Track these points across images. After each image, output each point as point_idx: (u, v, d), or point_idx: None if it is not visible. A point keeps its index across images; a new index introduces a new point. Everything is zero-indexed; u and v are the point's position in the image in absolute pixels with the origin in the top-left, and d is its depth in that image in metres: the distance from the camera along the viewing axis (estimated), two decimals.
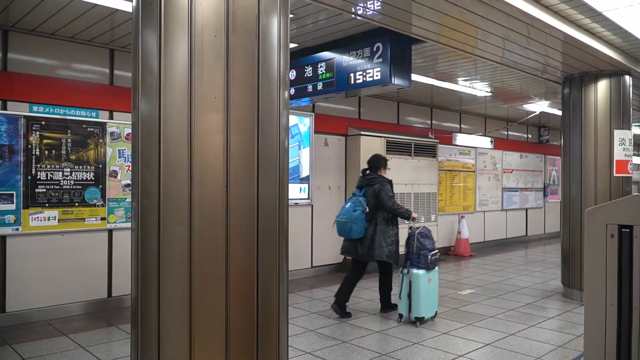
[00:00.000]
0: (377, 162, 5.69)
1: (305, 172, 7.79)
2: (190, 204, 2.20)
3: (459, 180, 10.72)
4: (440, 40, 5.02)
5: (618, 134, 6.17)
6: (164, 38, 2.21)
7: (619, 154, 6.17)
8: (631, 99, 6.39)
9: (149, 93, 2.26)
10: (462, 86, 7.96)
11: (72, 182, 5.49)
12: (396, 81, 5.14)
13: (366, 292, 6.79)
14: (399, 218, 5.53)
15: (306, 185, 7.79)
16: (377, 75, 5.19)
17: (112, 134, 5.79)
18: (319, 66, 5.87)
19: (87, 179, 5.59)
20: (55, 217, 5.37)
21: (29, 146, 5.21)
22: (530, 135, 13.16)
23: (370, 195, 5.44)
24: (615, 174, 6.16)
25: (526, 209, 12.71)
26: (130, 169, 5.65)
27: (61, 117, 5.43)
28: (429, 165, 9.28)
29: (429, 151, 9.29)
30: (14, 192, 5.12)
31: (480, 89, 8.18)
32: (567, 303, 6.21)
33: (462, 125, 10.95)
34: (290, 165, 7.50)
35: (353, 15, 4.39)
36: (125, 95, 5.15)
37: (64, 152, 5.44)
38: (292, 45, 5.75)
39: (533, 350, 4.45)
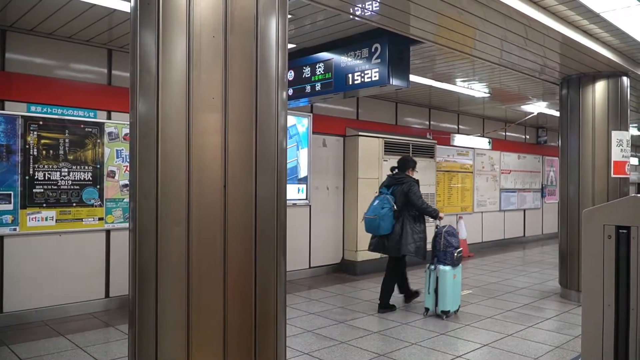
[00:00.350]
0: (406, 163, 5.94)
1: (303, 172, 7.79)
2: (188, 205, 2.20)
3: (457, 181, 10.73)
4: (438, 41, 5.02)
5: (615, 135, 6.18)
6: (162, 38, 2.21)
7: (616, 155, 6.18)
8: (629, 100, 6.40)
9: (147, 93, 2.26)
10: (460, 87, 7.97)
11: (70, 182, 5.48)
12: (394, 82, 5.14)
13: (365, 292, 6.80)
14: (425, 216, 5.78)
15: (304, 186, 7.79)
16: (375, 76, 5.20)
17: (109, 134, 5.78)
18: (317, 67, 5.87)
19: (84, 179, 5.58)
20: (52, 217, 5.36)
21: (27, 146, 5.20)
22: (528, 136, 13.17)
23: (399, 194, 5.67)
24: (612, 175, 6.18)
25: (524, 210, 12.73)
26: (128, 169, 5.65)
27: (59, 117, 5.42)
28: (427, 166, 9.28)
29: (427, 152, 9.30)
30: (12, 192, 5.11)
31: (478, 89, 8.19)
32: (565, 304, 6.22)
33: (460, 126, 10.96)
34: (289, 166, 7.50)
35: (351, 16, 4.39)
36: (123, 96, 5.14)
37: (61, 152, 5.43)
38: (290, 46, 5.75)
39: (531, 351, 4.45)
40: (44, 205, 5.31)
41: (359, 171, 8.10)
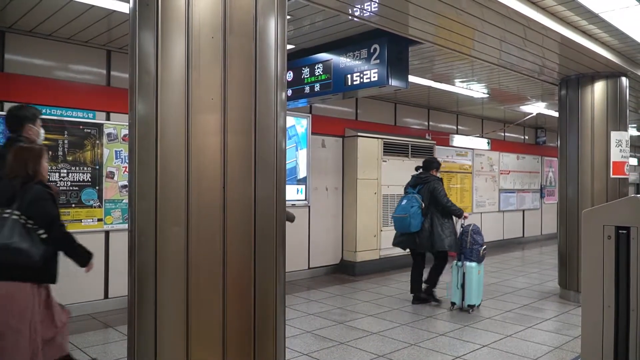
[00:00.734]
0: (430, 164, 6.32)
1: (302, 173, 7.79)
2: (188, 205, 2.19)
3: (456, 182, 10.73)
4: (437, 41, 5.02)
5: (615, 135, 6.19)
6: (161, 39, 2.21)
7: (615, 155, 6.18)
8: (627, 101, 6.40)
9: (146, 94, 2.26)
10: (459, 87, 7.97)
11: (69, 183, 5.47)
12: (393, 82, 5.14)
13: (364, 293, 6.79)
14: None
15: (303, 187, 7.79)
16: (374, 77, 5.20)
17: (109, 135, 5.78)
18: (316, 67, 5.87)
19: (83, 180, 5.57)
20: None
21: None
22: (527, 137, 13.18)
23: (426, 192, 5.99)
24: (612, 175, 6.18)
25: (523, 211, 12.73)
26: (127, 170, 5.64)
27: (58, 118, 5.41)
28: None
29: (426, 152, 9.28)
30: None
31: (477, 90, 8.20)
32: (564, 304, 6.22)
33: (459, 127, 10.97)
34: (288, 167, 7.48)
35: (350, 17, 4.39)
36: (123, 97, 5.12)
37: (60, 153, 5.42)
38: (289, 47, 5.75)
39: (530, 352, 4.45)
40: None
41: (358, 172, 8.09)
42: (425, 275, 6.22)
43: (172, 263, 2.22)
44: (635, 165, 19.06)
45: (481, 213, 11.31)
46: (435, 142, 9.67)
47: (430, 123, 10.25)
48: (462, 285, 5.74)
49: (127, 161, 5.36)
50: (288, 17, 4.41)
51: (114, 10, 4.57)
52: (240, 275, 2.28)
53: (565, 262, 6.47)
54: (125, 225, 5.53)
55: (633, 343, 2.12)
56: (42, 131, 3.52)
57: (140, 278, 2.30)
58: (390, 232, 8.47)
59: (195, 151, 2.19)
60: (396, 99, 9.20)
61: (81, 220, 5.56)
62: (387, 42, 5.06)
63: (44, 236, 2.88)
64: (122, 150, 5.84)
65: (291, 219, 5.85)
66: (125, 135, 5.84)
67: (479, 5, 4.03)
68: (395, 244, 6.23)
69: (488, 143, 11.39)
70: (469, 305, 5.76)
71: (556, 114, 7.16)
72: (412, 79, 6.52)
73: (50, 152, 5.34)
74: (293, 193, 7.64)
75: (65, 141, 5.46)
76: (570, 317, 5.62)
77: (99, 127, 5.71)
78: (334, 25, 5.15)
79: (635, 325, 2.11)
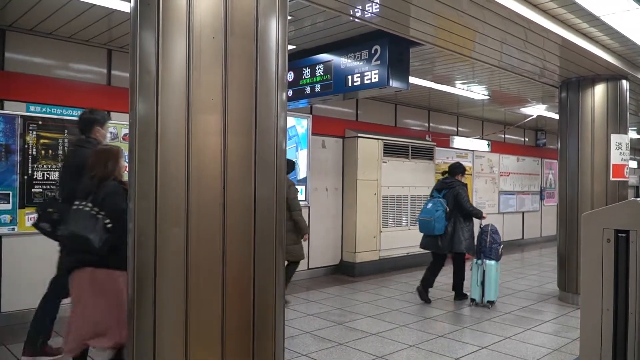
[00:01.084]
0: (455, 169, 6.52)
1: (302, 173, 7.79)
2: (188, 205, 2.19)
3: None
4: (438, 43, 5.02)
5: (615, 138, 6.19)
6: (162, 39, 2.21)
7: (615, 158, 6.18)
8: (628, 104, 6.41)
9: (146, 94, 2.26)
10: (460, 89, 7.97)
11: None
12: (394, 84, 5.14)
13: (363, 294, 6.79)
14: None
15: (303, 187, 7.79)
16: (375, 78, 5.20)
17: (109, 134, 5.77)
18: (317, 68, 5.87)
19: None
20: None
21: (26, 146, 5.19)
22: (527, 139, 13.18)
23: (450, 197, 6.23)
24: (611, 178, 6.18)
25: (523, 212, 12.73)
26: (127, 169, 5.64)
27: (58, 117, 5.42)
28: (426, 168, 9.29)
29: (426, 154, 9.30)
30: (10, 192, 5.10)
31: (477, 92, 8.20)
32: (563, 307, 6.22)
33: (459, 128, 10.97)
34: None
35: (351, 18, 4.39)
36: (123, 96, 5.12)
37: (60, 152, 5.42)
38: (290, 47, 5.75)
39: (529, 354, 4.45)
40: None
41: (358, 173, 8.09)
42: (436, 276, 6.45)
43: (171, 263, 2.22)
44: (635, 168, 19.06)
45: None
46: (435, 143, 9.67)
47: (431, 124, 10.25)
48: (482, 283, 6.07)
49: (127, 161, 5.36)
50: (289, 17, 4.41)
51: (115, 10, 4.57)
52: (240, 275, 2.28)
53: (565, 265, 6.47)
54: None
55: (631, 346, 2.12)
56: (108, 134, 3.97)
57: (140, 277, 2.30)
58: (389, 233, 8.51)
59: (195, 151, 2.19)
60: (397, 100, 9.20)
61: None
62: (387, 43, 5.06)
63: (109, 225, 3.16)
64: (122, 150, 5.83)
65: (305, 230, 6.12)
66: (125, 135, 5.84)
67: (479, 7, 4.03)
68: (420, 245, 6.52)
69: (488, 145, 11.39)
70: (488, 301, 6.07)
71: (556, 116, 7.16)
72: (412, 80, 6.52)
73: (50, 151, 5.35)
74: None
75: (66, 140, 5.46)
76: (569, 319, 5.62)
77: None
78: (335, 26, 5.15)
79: (634, 328, 2.11)
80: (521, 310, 6.00)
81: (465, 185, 6.43)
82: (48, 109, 5.36)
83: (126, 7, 4.33)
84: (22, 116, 5.18)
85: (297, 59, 6.05)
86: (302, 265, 7.77)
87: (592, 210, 2.33)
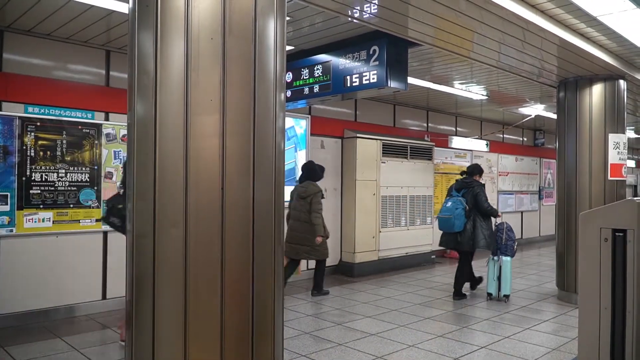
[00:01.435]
0: (474, 170, 6.81)
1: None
2: (186, 206, 2.19)
3: None
4: (436, 43, 5.03)
5: (612, 137, 6.20)
6: (160, 40, 2.21)
7: (613, 157, 6.20)
8: (625, 103, 6.42)
9: (144, 95, 2.26)
10: (458, 89, 7.98)
11: (67, 183, 5.47)
12: (392, 84, 5.15)
13: (362, 294, 6.79)
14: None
15: None
16: (373, 78, 5.20)
17: (107, 135, 5.78)
18: (315, 69, 5.87)
19: (82, 180, 5.57)
20: (49, 218, 5.35)
21: (24, 147, 5.19)
22: (525, 139, 13.20)
23: (469, 196, 6.48)
24: (609, 178, 6.19)
25: (521, 212, 12.75)
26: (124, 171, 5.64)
27: (56, 118, 5.41)
28: (425, 168, 9.30)
29: (424, 154, 9.31)
30: (8, 194, 5.10)
31: (476, 92, 8.21)
32: (562, 306, 6.23)
33: (458, 128, 10.98)
34: (287, 168, 7.49)
35: (349, 18, 4.40)
36: (121, 97, 5.13)
37: (59, 153, 5.42)
38: (288, 48, 5.75)
39: (528, 353, 4.46)
40: (41, 206, 5.30)
41: (357, 173, 8.10)
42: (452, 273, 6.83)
43: (170, 264, 2.22)
44: (632, 168, 19.09)
45: None
46: (434, 143, 9.68)
47: (429, 124, 10.26)
48: (499, 278, 6.39)
49: (126, 161, 5.37)
50: (287, 18, 4.42)
51: (114, 11, 4.57)
52: (239, 277, 2.28)
53: (563, 264, 6.48)
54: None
55: (629, 344, 2.12)
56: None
57: (139, 279, 2.30)
58: (388, 234, 8.52)
59: (194, 152, 2.20)
60: (395, 101, 9.21)
61: (79, 220, 5.56)
62: (386, 43, 5.07)
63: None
64: (120, 151, 5.84)
65: (318, 232, 6.38)
66: (124, 136, 5.84)
67: (478, 7, 4.04)
68: (440, 243, 6.78)
69: (487, 145, 11.40)
70: (504, 295, 6.38)
71: (554, 116, 7.18)
72: (411, 80, 6.53)
73: (48, 152, 5.35)
74: None
75: (64, 141, 5.46)
76: (568, 318, 5.62)
77: (98, 127, 5.71)
78: (333, 27, 5.15)
79: (632, 326, 2.12)
80: (520, 310, 6.00)
81: (483, 185, 6.70)
82: (46, 110, 5.36)
83: (124, 8, 4.33)
84: (20, 117, 5.18)
85: (296, 60, 6.06)
86: (302, 266, 7.79)
87: (590, 210, 2.34)
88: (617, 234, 2.18)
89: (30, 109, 5.25)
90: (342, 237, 8.31)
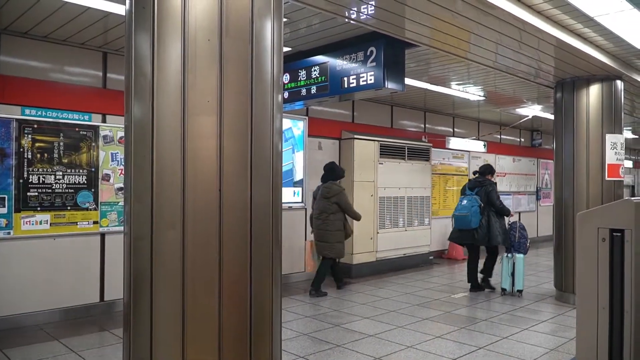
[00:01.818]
0: (486, 169, 7.30)
1: (299, 175, 7.79)
2: (184, 208, 2.19)
3: (452, 184, 10.75)
4: (434, 44, 5.04)
5: (610, 138, 6.21)
6: (157, 41, 2.21)
7: (610, 157, 6.21)
8: (622, 104, 6.43)
9: (141, 96, 2.26)
10: (455, 90, 7.99)
11: (65, 185, 5.45)
12: (390, 85, 5.15)
13: (360, 295, 6.79)
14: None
15: (300, 189, 7.79)
16: (370, 79, 5.21)
17: (104, 137, 5.77)
18: (312, 70, 5.88)
19: (79, 182, 5.56)
20: (47, 220, 5.34)
21: (21, 149, 5.18)
22: (523, 139, 13.22)
23: (482, 194, 6.96)
24: (607, 178, 6.20)
25: (519, 213, 12.75)
26: (122, 172, 5.63)
27: (53, 120, 5.40)
28: (423, 168, 9.30)
29: (422, 155, 9.31)
30: (6, 196, 5.09)
31: (473, 92, 8.22)
32: (560, 306, 6.24)
33: (455, 129, 10.99)
34: (284, 169, 7.49)
35: (347, 20, 4.40)
36: (118, 99, 5.13)
37: (56, 155, 5.41)
38: (285, 49, 5.75)
39: (526, 354, 4.46)
40: (39, 208, 5.28)
41: (355, 174, 8.10)
42: (480, 267, 7.16)
43: (167, 266, 2.21)
44: (630, 168, 19.13)
45: None
46: (431, 144, 9.69)
47: (427, 125, 10.27)
48: (512, 274, 6.75)
49: (122, 163, 5.36)
50: (284, 19, 4.42)
51: (110, 13, 4.56)
52: (236, 278, 2.27)
53: (561, 264, 6.49)
54: (121, 228, 5.51)
55: (627, 344, 2.12)
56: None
57: (136, 281, 2.29)
58: (386, 235, 8.52)
59: (191, 154, 2.19)
60: (393, 102, 9.22)
61: (77, 222, 5.54)
62: (383, 44, 5.07)
63: None
64: (118, 153, 5.83)
65: (358, 217, 7.03)
66: (121, 138, 5.83)
67: (474, 8, 4.05)
68: (452, 239, 7.28)
69: (484, 145, 11.41)
70: (518, 290, 6.76)
71: (552, 117, 7.19)
72: (408, 81, 6.54)
73: (45, 155, 5.34)
74: (290, 195, 7.64)
75: (61, 143, 5.45)
76: (566, 319, 5.63)
77: (95, 129, 5.70)
78: (330, 28, 5.16)
79: (630, 326, 2.12)
80: (518, 310, 6.01)
81: (495, 184, 7.17)
82: (43, 113, 5.35)
83: (121, 10, 4.33)
84: (17, 119, 5.17)
85: (293, 61, 6.06)
86: (300, 267, 7.79)
87: (587, 210, 2.34)
88: (614, 234, 2.19)
89: (27, 111, 5.24)
90: None
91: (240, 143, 2.27)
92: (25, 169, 5.20)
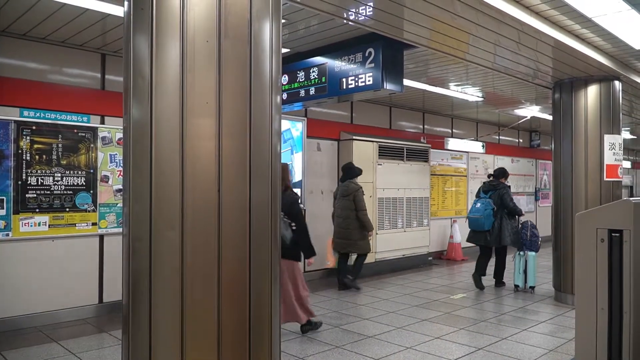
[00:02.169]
0: (500, 173, 7.56)
1: (297, 176, 7.79)
2: (182, 209, 2.19)
3: (451, 185, 10.76)
4: (432, 45, 5.04)
5: (608, 138, 6.22)
6: (155, 43, 2.21)
7: (609, 158, 6.22)
8: (621, 104, 6.45)
9: (140, 98, 2.26)
10: (454, 91, 8.00)
11: (63, 187, 5.45)
12: (388, 86, 5.15)
13: (358, 296, 6.79)
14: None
15: (299, 190, 7.78)
16: (369, 80, 5.21)
17: (103, 138, 5.76)
18: (311, 71, 5.88)
19: (78, 184, 5.56)
20: (45, 222, 5.33)
21: (20, 151, 5.17)
22: (521, 140, 13.23)
23: (496, 197, 7.23)
24: (605, 178, 6.21)
25: None
26: (121, 173, 5.63)
27: (52, 121, 5.40)
28: (421, 169, 9.31)
29: (421, 156, 9.32)
30: (4, 198, 5.08)
31: (471, 93, 8.22)
32: (559, 307, 6.24)
33: (454, 130, 11.00)
34: None
35: (345, 21, 4.40)
36: (117, 100, 5.11)
37: (54, 157, 5.40)
38: (284, 50, 5.75)
39: (525, 354, 4.46)
40: (37, 210, 5.28)
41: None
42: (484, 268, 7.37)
43: (166, 267, 2.21)
44: (628, 168, 19.16)
45: None
46: (430, 145, 9.69)
47: (425, 126, 10.28)
48: (524, 271, 7.05)
49: (121, 165, 5.36)
50: (283, 21, 4.42)
51: (109, 14, 4.56)
52: (236, 279, 2.27)
53: (560, 265, 6.50)
54: (120, 229, 5.51)
55: (626, 345, 2.13)
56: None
57: (135, 282, 2.29)
58: (385, 235, 8.52)
59: (190, 155, 2.19)
60: (391, 103, 9.22)
61: (75, 224, 5.54)
62: (382, 46, 5.08)
63: (294, 227, 4.57)
64: (116, 154, 5.83)
65: (369, 228, 7.14)
66: (119, 139, 5.83)
67: (473, 9, 4.05)
68: (469, 239, 7.51)
69: (483, 146, 11.43)
70: (530, 287, 7.07)
71: (550, 117, 7.20)
72: (407, 82, 6.54)
73: (44, 156, 5.33)
74: None
75: (60, 145, 5.44)
76: (565, 319, 5.63)
77: (94, 130, 5.70)
78: (329, 29, 5.16)
79: (629, 327, 2.12)
80: (517, 311, 6.01)
81: (509, 187, 7.44)
82: (42, 114, 5.34)
83: (120, 12, 4.33)
84: (15, 121, 5.16)
85: (292, 62, 6.06)
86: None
87: (586, 210, 2.34)
88: (613, 234, 2.19)
89: (25, 112, 5.24)
90: None
91: (239, 144, 2.27)
92: (23, 170, 5.19)
